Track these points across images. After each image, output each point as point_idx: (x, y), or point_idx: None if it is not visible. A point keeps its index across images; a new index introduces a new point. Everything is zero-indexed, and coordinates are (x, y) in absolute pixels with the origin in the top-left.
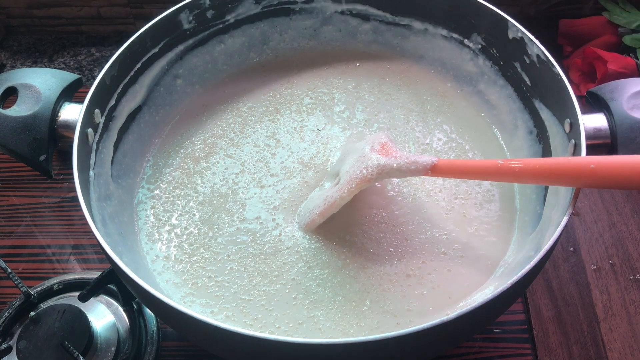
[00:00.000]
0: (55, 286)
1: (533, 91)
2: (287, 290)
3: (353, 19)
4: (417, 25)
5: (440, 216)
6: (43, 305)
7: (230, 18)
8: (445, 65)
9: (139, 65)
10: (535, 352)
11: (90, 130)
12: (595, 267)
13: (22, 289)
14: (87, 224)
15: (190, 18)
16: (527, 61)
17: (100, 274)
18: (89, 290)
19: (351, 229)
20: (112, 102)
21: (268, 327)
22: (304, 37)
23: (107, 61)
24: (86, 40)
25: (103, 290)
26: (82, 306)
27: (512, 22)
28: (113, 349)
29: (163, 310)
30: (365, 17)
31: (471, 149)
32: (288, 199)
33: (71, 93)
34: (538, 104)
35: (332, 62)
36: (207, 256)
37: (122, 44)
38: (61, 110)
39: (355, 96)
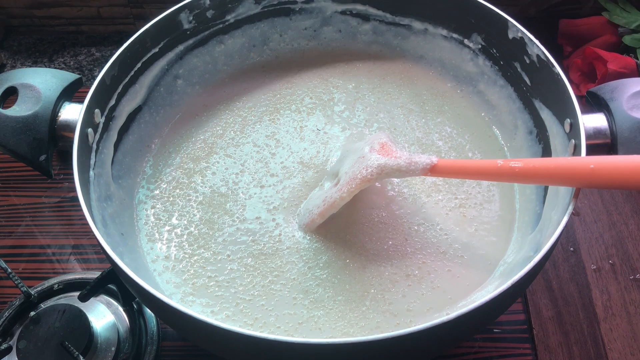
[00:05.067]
0: (55, 286)
1: (533, 91)
2: (287, 290)
3: (353, 19)
4: (417, 25)
5: (440, 216)
6: (43, 305)
7: (230, 18)
8: (445, 65)
9: (139, 65)
10: (535, 352)
11: (90, 130)
12: (595, 267)
13: (22, 289)
14: (87, 224)
15: (190, 18)
16: (527, 61)
17: (100, 274)
18: (89, 290)
19: (351, 229)
20: (112, 102)
21: (268, 327)
22: (304, 37)
23: (107, 61)
24: (86, 40)
25: (103, 290)
26: (82, 306)
27: (512, 22)
28: (113, 349)
29: (163, 310)
30: (365, 17)
31: (471, 149)
32: (288, 199)
33: (71, 93)
34: (538, 104)
35: (332, 62)
36: (207, 256)
37: (122, 44)
38: (61, 110)
39: (355, 96)
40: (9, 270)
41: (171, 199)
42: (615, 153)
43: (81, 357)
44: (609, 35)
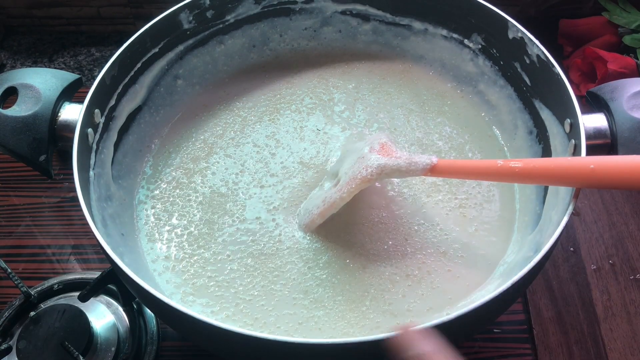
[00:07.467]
0: (55, 286)
1: (533, 91)
2: (287, 290)
3: (353, 19)
4: (417, 25)
5: (440, 216)
6: (43, 305)
7: (230, 18)
8: (445, 65)
9: (139, 65)
10: (535, 352)
11: (90, 130)
12: (595, 267)
13: (22, 289)
14: (87, 224)
15: (190, 18)
16: (527, 61)
17: (100, 274)
18: (89, 290)
19: (351, 229)
20: (112, 102)
21: (268, 327)
22: (304, 37)
23: (107, 61)
24: (86, 40)
25: (103, 290)
26: (82, 306)
27: (512, 22)
28: (113, 349)
29: (163, 310)
30: (365, 17)
31: (471, 149)
32: (288, 199)
33: (71, 93)
34: (538, 104)
35: (332, 62)
36: (207, 256)
37: (122, 44)
38: (61, 110)
39: (355, 96)
40: (9, 270)
41: (171, 199)
42: (616, 153)
43: (81, 357)
44: (609, 35)
